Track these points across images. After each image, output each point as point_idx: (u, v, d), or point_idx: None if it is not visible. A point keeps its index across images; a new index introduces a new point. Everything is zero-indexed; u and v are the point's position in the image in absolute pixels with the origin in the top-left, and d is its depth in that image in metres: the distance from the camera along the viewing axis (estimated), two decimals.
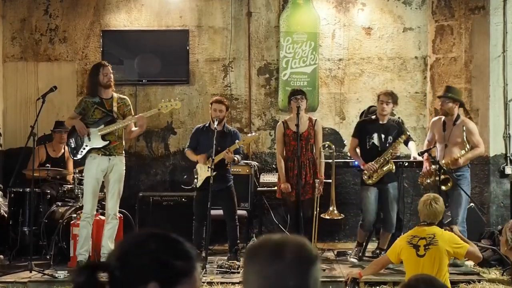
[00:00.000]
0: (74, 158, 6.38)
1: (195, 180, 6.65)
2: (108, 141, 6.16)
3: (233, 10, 8.24)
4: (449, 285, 4.63)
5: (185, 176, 7.16)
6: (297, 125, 6.42)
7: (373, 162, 6.41)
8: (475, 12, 7.69)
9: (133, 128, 6.31)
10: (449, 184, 6.32)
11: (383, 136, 6.52)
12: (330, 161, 6.69)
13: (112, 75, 6.27)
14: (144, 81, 8.19)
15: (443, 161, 6.40)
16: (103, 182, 6.24)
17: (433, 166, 6.49)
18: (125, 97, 6.52)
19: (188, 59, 8.16)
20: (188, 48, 8.16)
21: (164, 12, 8.28)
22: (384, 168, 6.40)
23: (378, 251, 6.65)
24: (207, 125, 6.73)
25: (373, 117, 6.68)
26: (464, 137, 6.39)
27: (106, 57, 8.12)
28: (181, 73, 8.17)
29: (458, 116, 6.59)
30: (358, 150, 6.69)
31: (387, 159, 6.42)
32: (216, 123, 6.49)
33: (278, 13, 8.23)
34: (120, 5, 8.29)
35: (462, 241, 4.60)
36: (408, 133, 7.04)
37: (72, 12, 8.29)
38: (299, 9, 8.16)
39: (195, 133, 6.81)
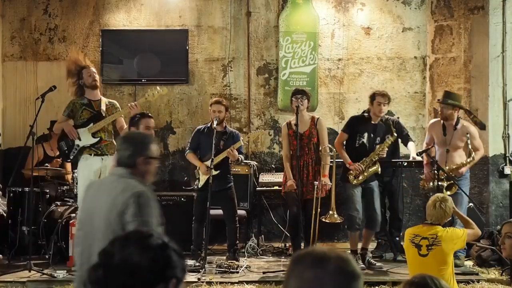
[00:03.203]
0: (67, 160, 6.38)
1: (196, 181, 6.64)
2: (99, 137, 6.18)
3: (233, 9, 8.24)
4: (455, 285, 4.62)
5: (186, 178, 7.14)
6: (296, 125, 6.42)
7: (359, 163, 6.28)
8: (475, 12, 7.69)
9: (125, 126, 6.30)
10: (453, 189, 6.19)
11: (372, 136, 6.38)
12: (331, 163, 6.63)
13: (96, 75, 6.27)
14: (143, 80, 8.18)
15: (446, 168, 6.28)
16: None
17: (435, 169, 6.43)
18: (114, 101, 6.54)
19: (188, 59, 8.15)
20: (187, 47, 8.15)
21: (163, 12, 8.28)
22: (370, 170, 6.26)
23: (361, 252, 6.42)
24: (208, 125, 6.72)
25: (366, 115, 6.49)
26: (469, 144, 6.33)
27: (105, 56, 8.14)
28: (181, 73, 8.16)
29: (458, 120, 6.53)
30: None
31: (373, 160, 6.27)
32: (215, 123, 6.49)
33: (277, 12, 8.23)
34: (119, 4, 8.29)
35: (461, 231, 4.61)
36: (405, 132, 6.98)
37: (72, 11, 8.29)
38: (298, 9, 8.16)
39: (196, 134, 6.78)
